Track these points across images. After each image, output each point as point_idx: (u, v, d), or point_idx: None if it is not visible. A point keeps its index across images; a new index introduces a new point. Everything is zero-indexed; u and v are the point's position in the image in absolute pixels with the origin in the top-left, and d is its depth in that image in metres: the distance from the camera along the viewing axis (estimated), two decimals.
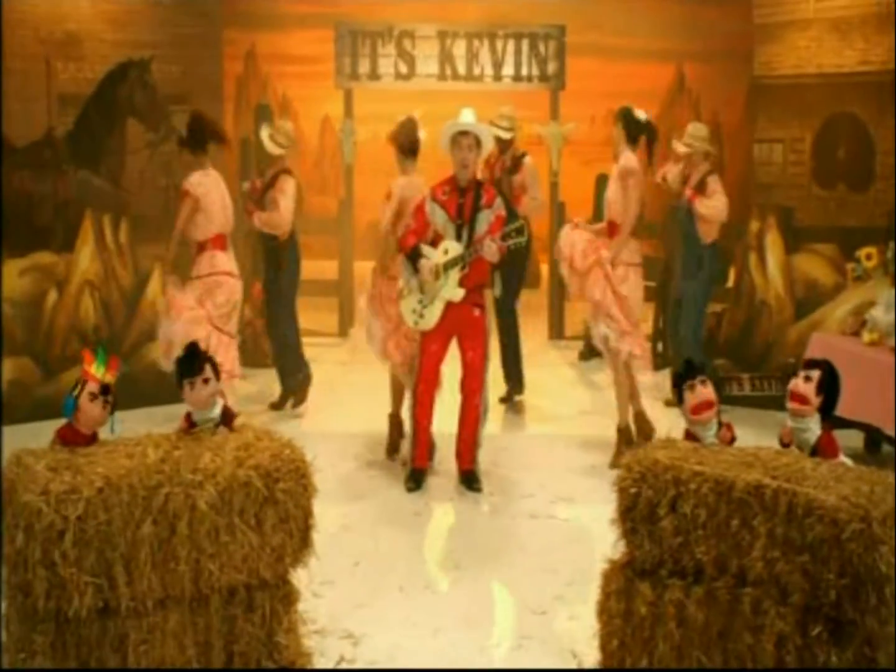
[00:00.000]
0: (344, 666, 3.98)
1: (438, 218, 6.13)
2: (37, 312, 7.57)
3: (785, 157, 9.03)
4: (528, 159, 8.01)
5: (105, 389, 3.84)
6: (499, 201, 6.22)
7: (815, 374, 4.03)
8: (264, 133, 7.69)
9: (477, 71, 10.74)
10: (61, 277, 7.66)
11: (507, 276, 7.79)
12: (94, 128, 7.83)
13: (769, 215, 8.29)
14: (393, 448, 6.85)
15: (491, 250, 5.97)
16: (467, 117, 6.15)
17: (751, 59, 9.24)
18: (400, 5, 12.02)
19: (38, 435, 4.19)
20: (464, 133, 6.07)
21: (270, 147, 7.64)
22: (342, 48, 10.67)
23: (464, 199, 6.12)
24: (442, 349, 6.26)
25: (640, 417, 6.90)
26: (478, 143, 6.10)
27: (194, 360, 4.05)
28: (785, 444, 4.06)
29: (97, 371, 3.86)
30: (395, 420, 6.87)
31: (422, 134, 6.65)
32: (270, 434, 4.03)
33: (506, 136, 7.94)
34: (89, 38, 7.79)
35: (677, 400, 4.16)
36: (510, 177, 7.94)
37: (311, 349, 7.44)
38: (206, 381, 4.00)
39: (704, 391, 4.09)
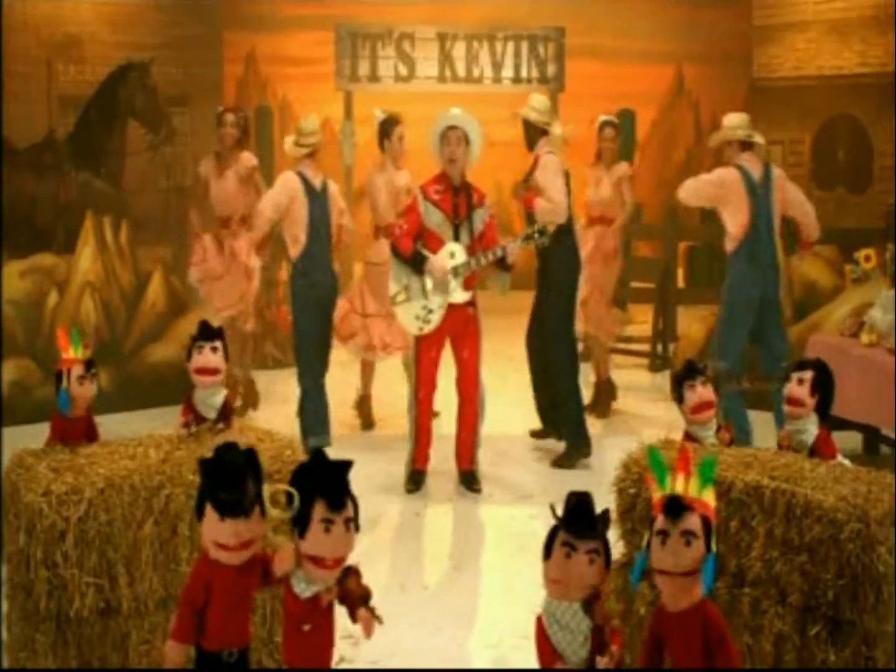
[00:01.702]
0: (344, 666, 3.98)
1: (434, 217, 6.06)
2: (37, 314, 7.57)
3: (784, 158, 9.05)
4: (547, 158, 6.50)
5: (89, 365, 3.95)
6: (488, 201, 6.24)
7: (808, 375, 4.06)
8: (288, 141, 6.72)
9: (476, 73, 10.77)
10: (62, 279, 7.67)
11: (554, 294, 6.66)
12: (95, 130, 7.84)
13: None
14: (366, 424, 7.51)
15: (515, 252, 6.02)
16: (455, 112, 6.14)
17: (750, 61, 9.28)
18: (400, 7, 12.05)
19: (39, 436, 4.20)
20: (452, 128, 6.04)
21: (293, 150, 6.67)
22: (342, 50, 10.69)
23: (458, 198, 6.08)
24: (439, 353, 6.25)
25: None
26: (466, 141, 6.05)
27: (209, 329, 4.11)
28: (784, 448, 4.08)
29: (76, 352, 3.94)
30: (365, 399, 7.59)
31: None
32: (272, 435, 4.06)
33: (528, 116, 6.58)
34: (90, 41, 7.81)
35: (677, 399, 4.19)
36: (531, 178, 6.55)
37: None
38: (214, 349, 4.04)
39: (704, 391, 4.12)
